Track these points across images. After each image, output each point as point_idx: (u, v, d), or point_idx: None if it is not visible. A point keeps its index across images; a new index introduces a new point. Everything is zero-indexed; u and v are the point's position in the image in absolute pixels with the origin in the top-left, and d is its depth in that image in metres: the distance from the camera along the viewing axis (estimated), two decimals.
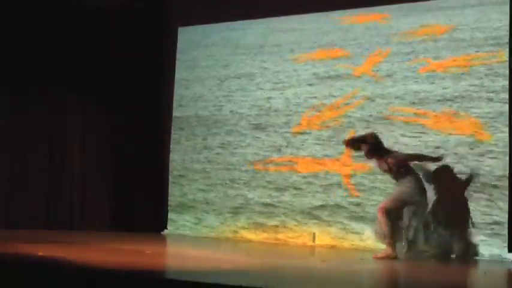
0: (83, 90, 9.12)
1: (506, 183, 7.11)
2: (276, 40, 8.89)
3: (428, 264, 6.70)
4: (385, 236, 6.80)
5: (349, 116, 8.10)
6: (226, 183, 8.76)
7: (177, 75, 9.41)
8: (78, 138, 9.18)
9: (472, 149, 7.35)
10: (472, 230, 7.15)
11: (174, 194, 9.13)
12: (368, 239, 7.37)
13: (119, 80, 9.20)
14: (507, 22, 7.41)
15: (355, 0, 8.32)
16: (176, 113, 9.33)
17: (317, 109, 8.35)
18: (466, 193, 7.22)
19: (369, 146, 6.96)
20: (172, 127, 9.31)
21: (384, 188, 7.54)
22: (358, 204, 7.81)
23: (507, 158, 7.17)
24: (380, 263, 6.58)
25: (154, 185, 9.17)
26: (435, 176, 7.24)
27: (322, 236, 7.96)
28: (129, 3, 9.16)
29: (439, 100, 7.63)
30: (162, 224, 9.07)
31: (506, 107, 7.27)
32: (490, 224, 7.12)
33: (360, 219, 7.75)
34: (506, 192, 7.09)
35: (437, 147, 7.51)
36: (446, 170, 7.28)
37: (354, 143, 7.10)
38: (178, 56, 9.44)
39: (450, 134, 7.50)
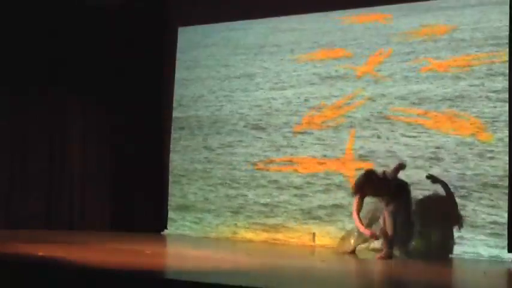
0: (83, 90, 9.12)
1: (506, 183, 7.11)
2: (276, 40, 8.89)
3: (428, 264, 6.70)
4: (385, 236, 6.82)
5: (350, 116, 8.10)
6: (226, 183, 8.76)
7: (177, 75, 9.41)
8: (78, 138, 9.18)
9: (472, 149, 7.35)
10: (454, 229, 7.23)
11: (174, 194, 9.13)
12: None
13: (119, 80, 9.20)
14: (507, 22, 7.40)
15: (356, 0, 8.32)
16: (176, 113, 9.33)
17: (318, 109, 8.35)
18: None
19: (371, 185, 6.99)
20: (172, 127, 9.31)
21: None
22: None
23: (507, 158, 7.16)
24: (380, 263, 6.58)
25: (154, 185, 9.17)
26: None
27: (322, 236, 7.96)
28: (129, 3, 9.16)
29: (439, 100, 7.63)
30: (162, 224, 9.07)
31: (506, 107, 7.26)
32: (489, 223, 7.12)
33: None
34: (506, 192, 7.09)
35: (437, 147, 7.51)
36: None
37: (357, 190, 7.08)
38: (178, 56, 9.44)
39: (450, 134, 7.50)
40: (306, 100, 8.45)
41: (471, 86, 7.51)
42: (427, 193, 7.40)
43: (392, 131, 7.80)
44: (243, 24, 9.18)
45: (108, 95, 9.17)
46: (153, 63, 9.23)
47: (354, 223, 7.21)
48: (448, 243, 7.21)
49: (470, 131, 7.41)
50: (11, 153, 8.76)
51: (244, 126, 8.79)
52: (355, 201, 7.11)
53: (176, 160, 9.20)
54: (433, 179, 7.29)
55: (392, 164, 7.50)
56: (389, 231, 6.84)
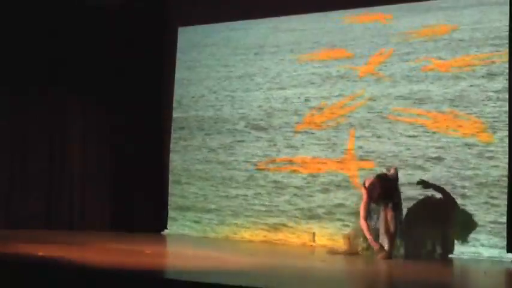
0: (83, 90, 9.11)
1: (505, 183, 7.11)
2: (276, 40, 8.89)
3: (427, 264, 6.70)
4: (389, 236, 6.83)
5: (351, 116, 8.10)
6: (226, 183, 8.76)
7: (177, 75, 9.41)
8: (78, 138, 9.18)
9: (472, 149, 7.35)
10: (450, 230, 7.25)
11: (174, 194, 9.13)
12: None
13: (119, 80, 9.20)
14: (507, 22, 7.40)
15: (356, 0, 8.31)
16: (176, 113, 9.33)
17: (318, 109, 8.35)
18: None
19: (384, 189, 6.92)
20: (172, 127, 9.31)
21: None
22: (358, 204, 7.78)
23: (507, 157, 7.16)
24: (380, 263, 6.58)
25: (154, 185, 9.17)
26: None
27: (322, 236, 7.96)
28: (129, 3, 9.16)
29: (439, 100, 7.63)
30: (162, 224, 9.07)
31: (506, 107, 7.26)
32: (489, 223, 7.12)
33: None
34: (506, 192, 7.09)
35: (438, 147, 7.51)
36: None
37: (377, 195, 6.91)
38: (178, 56, 9.44)
39: (450, 134, 7.50)
40: (306, 100, 8.45)
41: (471, 86, 7.51)
42: (426, 194, 7.41)
43: (393, 131, 7.80)
44: (243, 24, 9.17)
45: (108, 95, 9.17)
46: (153, 63, 9.23)
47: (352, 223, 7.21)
48: (446, 243, 7.22)
49: (470, 131, 7.41)
50: (11, 153, 8.76)
51: (245, 126, 8.79)
52: (363, 207, 6.90)
53: (176, 160, 9.20)
54: (424, 184, 7.28)
55: (392, 164, 7.52)
56: (394, 231, 6.84)
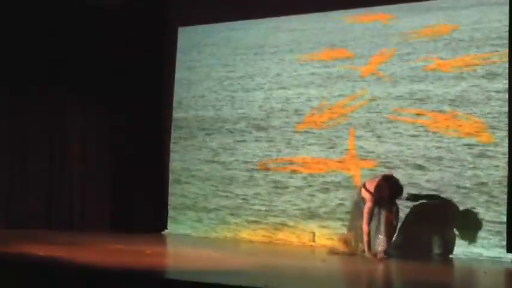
0: (83, 90, 9.11)
1: (505, 183, 7.10)
2: (276, 40, 8.88)
3: (427, 265, 6.70)
4: (389, 237, 6.83)
5: (351, 116, 8.09)
6: (226, 183, 8.76)
7: (177, 75, 9.41)
8: (78, 138, 9.18)
9: (472, 149, 7.35)
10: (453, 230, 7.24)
11: (174, 194, 9.13)
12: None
13: (119, 80, 9.20)
14: (507, 22, 7.40)
15: (357, 0, 8.31)
16: (176, 113, 9.32)
17: (319, 109, 8.35)
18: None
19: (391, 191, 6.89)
20: (172, 127, 9.30)
21: None
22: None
23: (507, 157, 7.16)
24: (380, 263, 6.57)
25: (154, 185, 9.16)
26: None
27: (322, 236, 7.95)
28: (129, 4, 9.15)
29: (439, 100, 7.63)
30: (162, 224, 9.07)
31: (506, 107, 7.26)
32: (489, 223, 7.12)
33: None
34: (506, 192, 7.09)
35: (438, 147, 7.51)
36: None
37: (389, 197, 6.88)
38: (178, 56, 9.43)
39: (450, 134, 7.50)
40: (307, 100, 8.44)
41: (471, 86, 7.51)
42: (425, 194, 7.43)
43: (394, 131, 7.80)
44: (243, 24, 9.17)
45: (108, 95, 9.17)
46: (153, 63, 9.22)
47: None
48: (446, 243, 7.22)
49: (470, 131, 7.40)
50: (11, 153, 8.76)
51: (245, 126, 8.79)
52: (368, 211, 6.77)
53: (176, 160, 9.20)
54: (413, 198, 7.24)
55: (393, 164, 7.53)
56: (394, 232, 6.84)
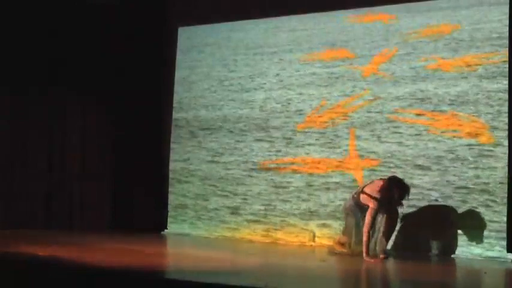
0: (83, 90, 9.12)
1: (506, 183, 7.11)
2: (276, 40, 8.88)
3: (428, 265, 6.71)
4: (387, 238, 6.83)
5: (353, 116, 8.09)
6: (226, 183, 8.76)
7: (177, 75, 9.41)
8: (78, 138, 9.18)
9: (472, 149, 7.35)
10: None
11: (174, 193, 9.13)
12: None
13: (119, 80, 9.21)
14: (507, 22, 7.41)
15: (358, 0, 8.31)
16: (176, 113, 9.32)
17: (320, 109, 8.35)
18: None
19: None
20: (172, 127, 9.30)
21: None
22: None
23: (507, 157, 7.16)
24: (380, 263, 6.57)
25: (154, 185, 9.16)
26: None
27: (322, 236, 7.95)
28: (129, 3, 9.16)
29: (440, 100, 7.63)
30: (162, 224, 9.07)
31: (506, 107, 7.26)
32: (489, 223, 7.12)
33: None
34: (506, 192, 7.09)
35: (438, 148, 7.51)
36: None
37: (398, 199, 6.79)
38: (178, 56, 9.43)
39: (451, 134, 7.50)
40: (307, 100, 8.44)
41: (471, 86, 7.51)
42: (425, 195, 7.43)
43: (395, 131, 7.80)
44: (243, 24, 9.17)
45: (108, 95, 9.18)
46: (153, 63, 9.23)
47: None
48: (446, 243, 7.23)
49: (470, 131, 7.40)
50: (11, 153, 8.76)
51: (245, 126, 8.79)
52: (372, 214, 6.64)
53: (176, 160, 9.20)
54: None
55: (393, 164, 7.53)
56: (392, 232, 6.84)
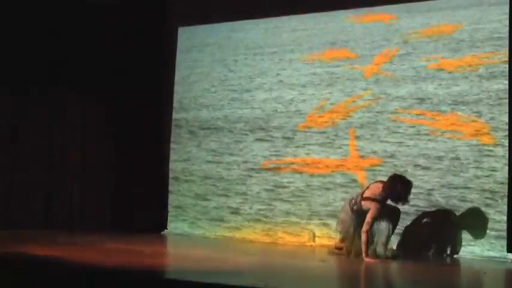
0: (83, 90, 9.12)
1: (506, 183, 7.11)
2: (276, 40, 8.88)
3: (428, 265, 6.70)
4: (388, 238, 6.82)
5: (353, 117, 8.09)
6: (226, 183, 8.76)
7: (177, 75, 9.41)
8: (78, 138, 9.18)
9: (472, 149, 7.35)
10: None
11: (174, 193, 9.13)
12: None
13: (119, 80, 9.21)
14: (507, 22, 7.41)
15: (359, 0, 8.30)
16: (176, 113, 9.32)
17: (320, 109, 8.35)
18: None
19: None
20: (172, 127, 9.30)
21: None
22: None
23: (507, 157, 7.16)
24: (380, 263, 6.57)
25: (154, 185, 9.16)
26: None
27: (322, 236, 7.95)
28: (129, 3, 9.16)
29: (440, 100, 7.63)
30: (162, 224, 9.07)
31: (506, 107, 7.26)
32: (489, 223, 7.12)
33: None
34: (506, 192, 7.09)
35: (439, 148, 7.51)
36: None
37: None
38: (178, 56, 9.43)
39: (451, 134, 7.50)
40: (308, 100, 8.44)
41: (472, 86, 7.51)
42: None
43: (396, 131, 7.80)
44: (243, 24, 9.17)
45: (108, 94, 9.17)
46: (153, 63, 9.23)
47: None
48: (451, 244, 7.23)
49: (470, 131, 7.40)
50: (11, 153, 8.76)
51: (245, 126, 8.79)
52: (374, 216, 6.59)
53: (176, 160, 9.20)
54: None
55: (394, 164, 7.54)
56: (392, 233, 6.85)
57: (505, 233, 7.03)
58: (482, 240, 7.11)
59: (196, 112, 9.21)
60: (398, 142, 7.75)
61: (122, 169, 9.23)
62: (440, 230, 7.34)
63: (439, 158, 7.49)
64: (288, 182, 8.34)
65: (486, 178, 7.22)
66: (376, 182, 6.91)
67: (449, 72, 7.66)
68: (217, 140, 8.95)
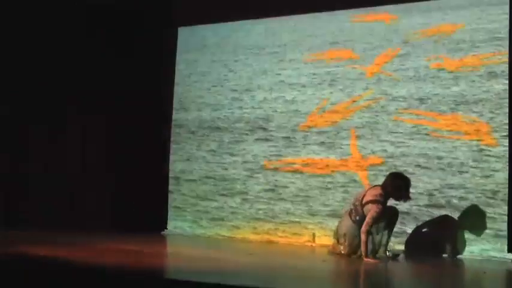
0: (83, 90, 9.11)
1: (506, 183, 7.11)
2: (276, 40, 8.88)
3: (428, 265, 6.70)
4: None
5: (354, 117, 8.09)
6: (226, 183, 8.76)
7: (177, 75, 9.41)
8: (78, 138, 9.18)
9: (473, 149, 7.36)
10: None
11: (174, 193, 9.13)
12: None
13: (118, 80, 9.20)
14: (507, 22, 7.41)
15: (360, 0, 8.30)
16: (176, 113, 9.32)
17: (321, 109, 8.35)
18: None
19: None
20: (173, 127, 9.30)
21: None
22: None
23: (507, 157, 7.17)
24: (380, 263, 6.57)
25: (154, 185, 9.16)
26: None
27: (322, 236, 7.95)
28: (129, 3, 9.16)
29: (440, 101, 7.63)
30: (162, 224, 9.07)
31: (507, 108, 7.27)
32: (489, 223, 7.12)
33: None
34: (506, 192, 7.09)
35: (439, 148, 7.52)
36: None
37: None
38: (178, 56, 9.44)
39: (451, 134, 7.50)
40: (308, 100, 8.44)
41: (472, 86, 7.51)
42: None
43: (396, 131, 7.80)
44: (243, 24, 9.17)
45: (108, 95, 9.17)
46: (153, 62, 9.22)
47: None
48: (453, 244, 7.23)
49: (471, 131, 7.41)
50: (10, 153, 8.76)
51: (245, 126, 8.79)
52: (376, 218, 6.54)
53: (176, 160, 9.20)
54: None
55: (394, 164, 7.54)
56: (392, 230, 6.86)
57: (505, 233, 7.03)
58: (482, 240, 7.11)
59: (196, 112, 9.21)
60: (398, 142, 7.75)
61: (122, 169, 9.22)
62: (440, 230, 7.33)
63: (439, 158, 7.49)
64: (288, 182, 8.34)
65: (486, 178, 7.22)
66: (371, 187, 6.87)
67: (450, 72, 7.67)
68: (217, 140, 8.95)
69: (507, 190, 7.10)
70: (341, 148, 8.08)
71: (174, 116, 9.32)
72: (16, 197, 8.70)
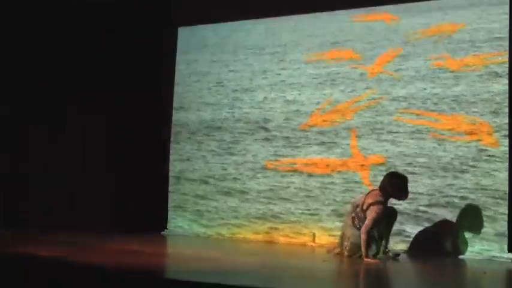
0: (82, 90, 9.11)
1: (506, 183, 7.11)
2: (277, 40, 8.88)
3: (428, 265, 6.70)
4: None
5: (355, 117, 8.09)
6: (226, 183, 8.76)
7: (177, 75, 9.41)
8: (78, 138, 9.18)
9: (473, 149, 7.36)
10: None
11: (174, 193, 9.13)
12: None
13: (118, 80, 9.20)
14: (507, 22, 7.41)
15: (361, 0, 8.30)
16: (176, 113, 9.32)
17: (322, 110, 8.34)
18: None
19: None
20: (173, 127, 9.30)
21: None
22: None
23: (507, 157, 7.17)
24: (380, 264, 6.57)
25: (154, 185, 9.16)
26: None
27: (322, 236, 7.95)
28: (129, 3, 9.16)
29: (441, 101, 7.63)
30: (162, 224, 9.07)
31: (507, 108, 7.27)
32: (489, 223, 7.12)
33: None
34: (507, 192, 7.09)
35: (439, 148, 7.51)
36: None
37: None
38: (178, 56, 9.44)
39: (452, 135, 7.50)
40: (309, 100, 8.44)
41: (472, 86, 7.51)
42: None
43: (397, 132, 7.80)
44: (243, 24, 9.17)
45: (108, 95, 9.17)
46: (153, 62, 9.23)
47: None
48: (454, 244, 7.23)
49: (471, 131, 7.40)
50: (10, 153, 8.75)
51: (245, 126, 8.79)
52: (377, 219, 6.52)
53: (176, 160, 9.20)
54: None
55: (395, 165, 7.54)
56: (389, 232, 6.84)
57: (505, 233, 7.03)
58: (482, 240, 7.11)
59: (196, 112, 9.21)
60: (399, 142, 7.75)
61: (121, 169, 9.22)
62: (440, 230, 7.33)
63: (440, 158, 7.49)
64: (288, 182, 8.34)
65: (486, 178, 7.22)
66: (369, 191, 6.83)
67: (450, 72, 7.66)
68: (217, 140, 8.95)
69: (507, 190, 7.09)
70: (341, 148, 8.08)
71: (174, 116, 9.32)
72: (16, 197, 8.70)
